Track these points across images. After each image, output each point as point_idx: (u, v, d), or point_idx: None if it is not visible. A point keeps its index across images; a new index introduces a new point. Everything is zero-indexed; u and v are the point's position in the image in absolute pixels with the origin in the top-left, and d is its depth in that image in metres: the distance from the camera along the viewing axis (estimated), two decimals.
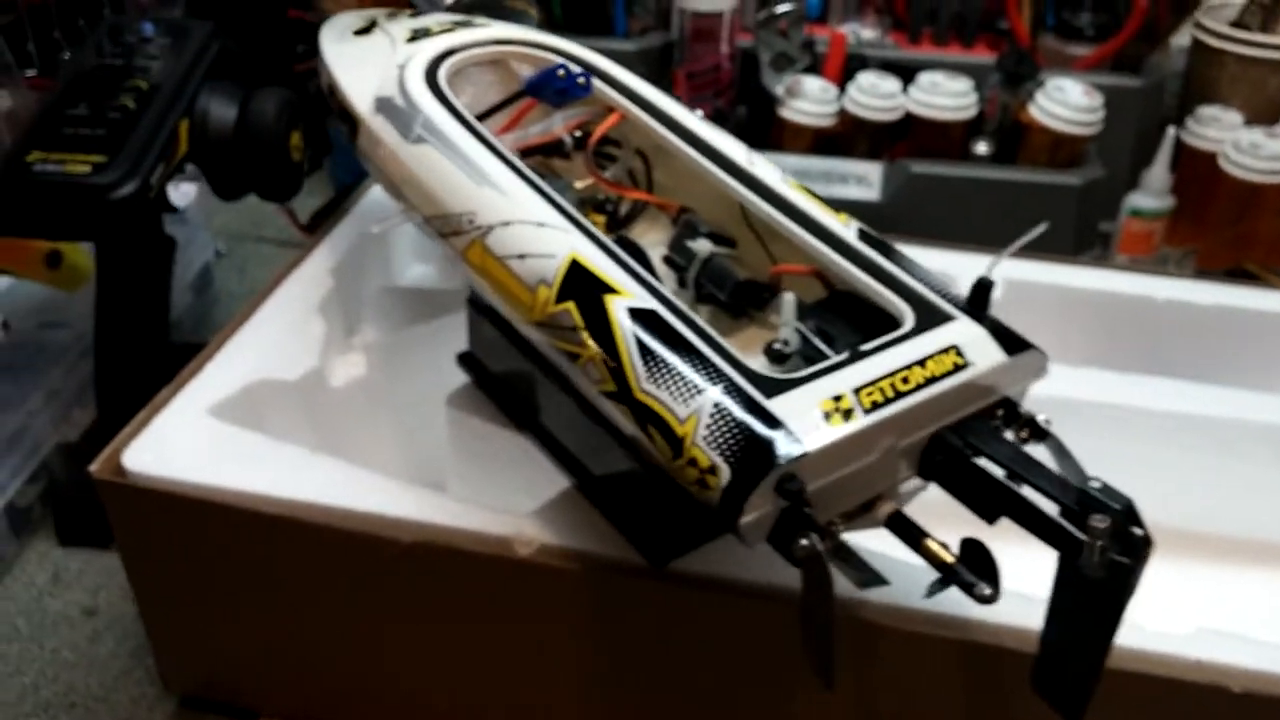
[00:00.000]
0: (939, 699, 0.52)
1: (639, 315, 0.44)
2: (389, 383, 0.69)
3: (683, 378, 0.42)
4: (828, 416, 0.41)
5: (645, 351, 0.43)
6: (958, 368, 0.43)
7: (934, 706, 0.53)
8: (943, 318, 0.45)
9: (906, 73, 1.04)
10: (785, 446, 0.40)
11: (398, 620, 0.57)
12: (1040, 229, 0.45)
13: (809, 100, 1.03)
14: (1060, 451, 0.44)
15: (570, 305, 0.46)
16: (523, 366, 0.59)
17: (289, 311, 0.69)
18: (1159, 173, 1.02)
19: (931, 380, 0.43)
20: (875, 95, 1.02)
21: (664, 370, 0.43)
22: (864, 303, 0.49)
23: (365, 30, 0.66)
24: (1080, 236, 1.03)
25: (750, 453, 0.40)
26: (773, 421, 0.40)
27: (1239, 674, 0.48)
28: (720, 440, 0.40)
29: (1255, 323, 0.72)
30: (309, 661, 0.61)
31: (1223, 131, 1.03)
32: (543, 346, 0.49)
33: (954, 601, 0.50)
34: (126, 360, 0.77)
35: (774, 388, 0.41)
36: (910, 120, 1.03)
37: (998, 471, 0.43)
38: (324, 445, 0.61)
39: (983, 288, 0.46)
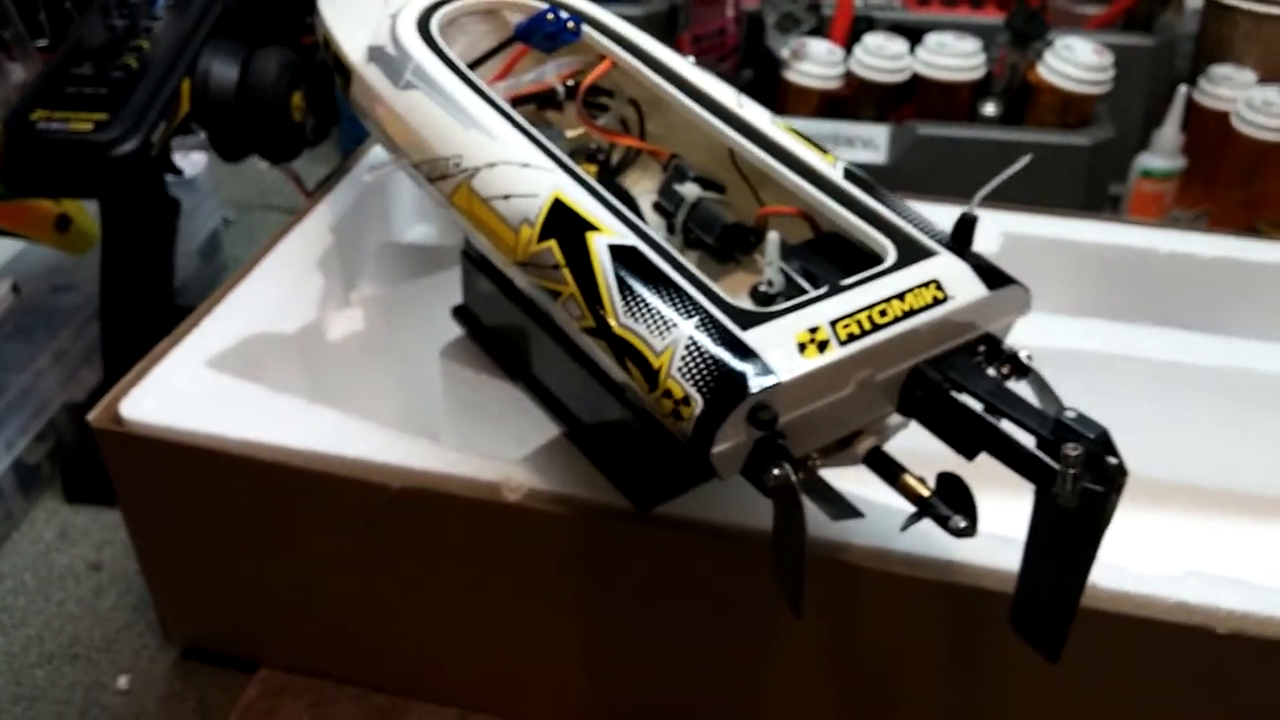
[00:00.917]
0: (919, 640, 0.52)
1: (619, 251, 0.44)
2: (386, 336, 0.70)
3: (659, 312, 0.42)
4: (803, 348, 0.41)
5: (624, 286, 0.43)
6: (937, 301, 0.43)
7: (914, 647, 0.53)
8: (925, 253, 0.45)
9: (914, 34, 1.03)
10: (757, 376, 0.40)
11: (391, 566, 0.58)
12: (1023, 161, 0.44)
13: (815, 63, 1.02)
14: (1041, 387, 0.44)
15: (552, 243, 0.46)
16: (514, 317, 0.59)
17: (289, 267, 0.69)
18: (1170, 133, 1.01)
19: (910, 313, 0.43)
20: (882, 56, 1.02)
21: (641, 305, 0.43)
22: (850, 243, 0.49)
23: None
24: (1090, 198, 1.02)
25: (722, 383, 0.40)
26: (746, 353, 0.40)
27: (1225, 616, 0.48)
28: (694, 371, 0.40)
29: (1256, 274, 0.71)
30: (306, 609, 0.62)
31: (1235, 90, 1.01)
32: (527, 287, 0.49)
33: (935, 544, 0.50)
34: (131, 319, 0.78)
35: (750, 320, 0.42)
36: (917, 82, 1.03)
37: (976, 405, 0.42)
38: (320, 397, 0.61)
39: (966, 224, 0.46)
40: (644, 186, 0.61)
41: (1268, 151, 0.99)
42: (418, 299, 0.70)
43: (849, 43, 1.05)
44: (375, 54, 0.57)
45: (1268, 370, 0.66)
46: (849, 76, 1.03)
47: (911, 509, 0.44)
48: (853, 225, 0.48)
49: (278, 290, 0.68)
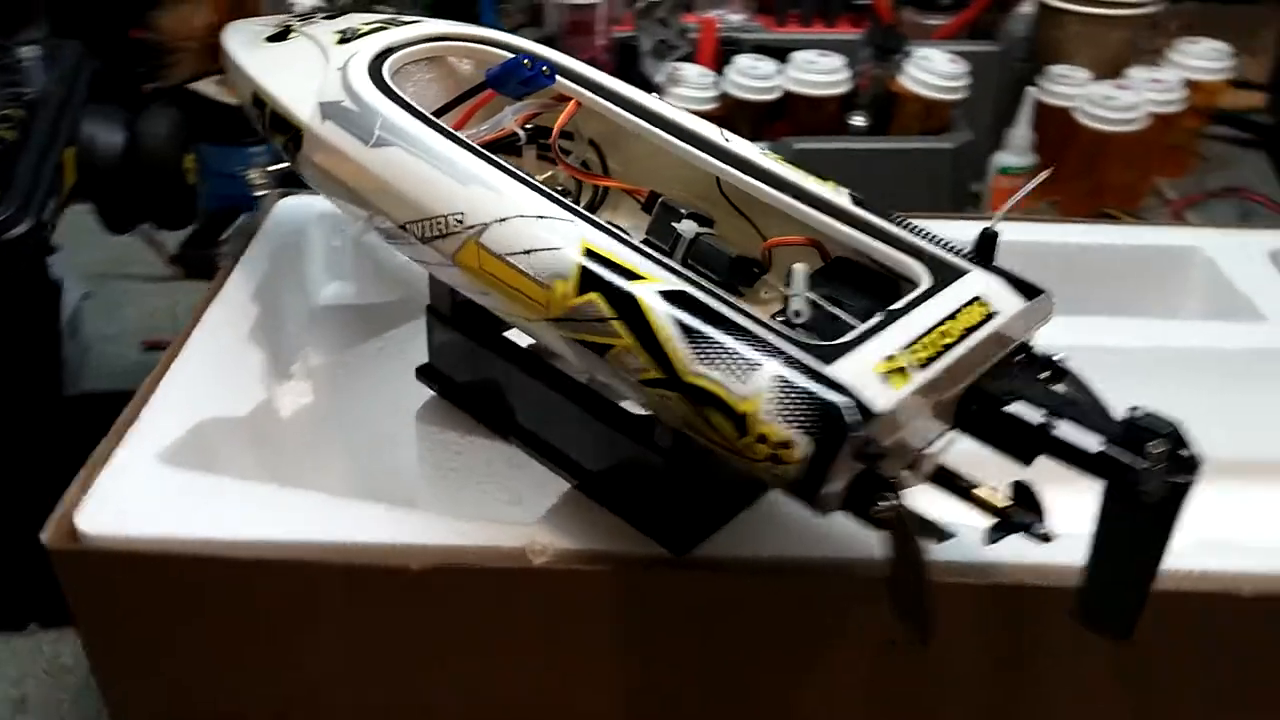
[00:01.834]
0: (965, 642, 0.53)
1: (672, 298, 0.43)
2: (339, 405, 0.66)
3: (735, 355, 0.41)
4: (887, 377, 0.41)
5: (688, 333, 0.42)
6: (988, 317, 0.44)
7: (959, 650, 0.54)
8: (958, 272, 0.46)
9: (779, 53, 1.06)
10: (859, 411, 0.39)
11: (411, 653, 0.54)
12: (1045, 174, 0.46)
13: (690, 86, 1.03)
14: (1080, 387, 0.46)
15: (594, 296, 0.44)
16: (500, 371, 0.57)
17: (218, 344, 0.64)
18: (1022, 131, 1.08)
19: (968, 332, 0.43)
20: (753, 77, 1.04)
21: (714, 349, 0.42)
22: (861, 267, 0.50)
23: (280, 37, 0.62)
24: (955, 197, 1.07)
25: (827, 421, 0.39)
26: (839, 388, 0.40)
27: (1246, 579, 0.51)
28: (791, 412, 0.40)
29: (1156, 257, 0.77)
30: (311, 714, 0.57)
31: (1073, 88, 1.09)
32: (555, 343, 0.47)
33: (967, 549, 0.51)
34: (21, 414, 0.70)
35: (827, 354, 0.41)
36: (788, 99, 1.05)
37: (1036, 414, 0.44)
38: (283, 479, 0.57)
39: (989, 238, 0.47)
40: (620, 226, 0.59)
41: (1108, 141, 1.07)
42: (364, 363, 0.67)
43: (718, 65, 1.07)
44: (331, 110, 0.54)
45: (1177, 346, 0.70)
46: (724, 98, 1.04)
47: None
48: (876, 250, 0.48)
49: (214, 370, 0.62)
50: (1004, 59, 1.11)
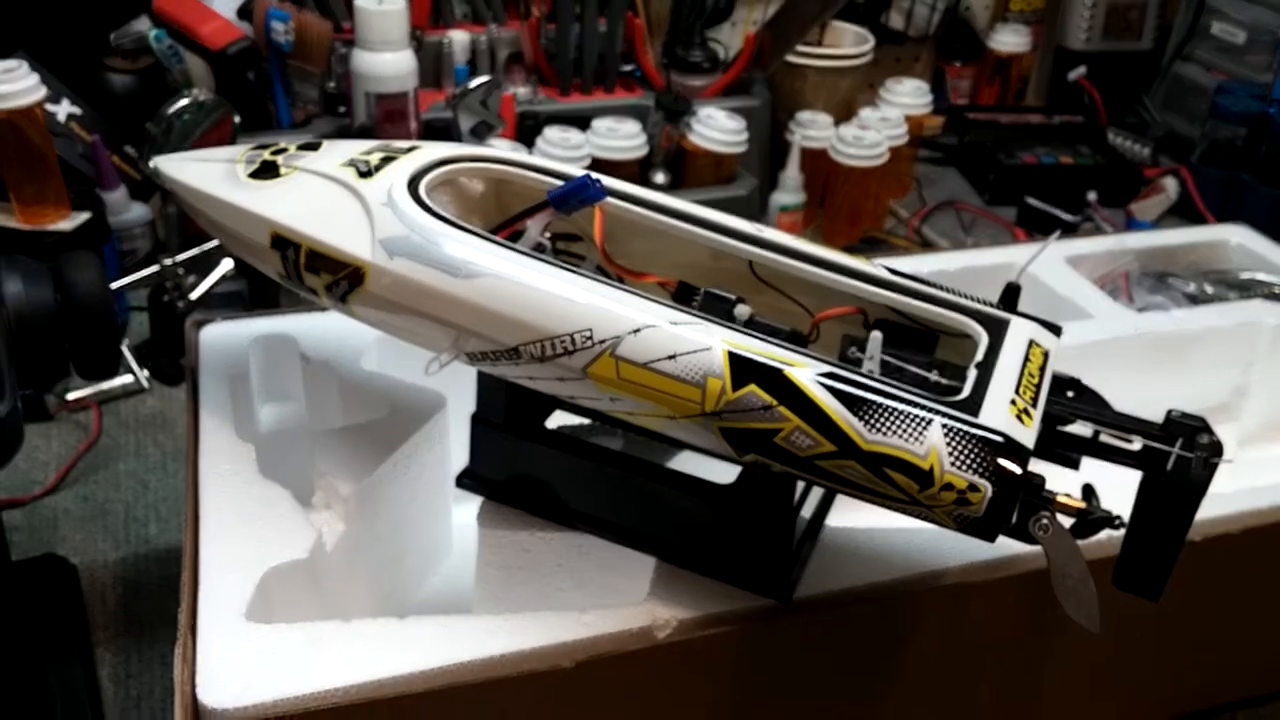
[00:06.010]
0: (998, 625, 0.64)
1: (827, 378, 0.49)
2: (376, 529, 0.65)
3: (903, 418, 0.48)
4: (1020, 419, 0.50)
5: (855, 408, 0.49)
6: (1046, 356, 0.55)
7: (995, 632, 0.64)
8: (1004, 322, 0.56)
9: (575, 122, 1.13)
10: (1022, 450, 0.48)
11: None
12: (1055, 235, 0.57)
13: None
14: (1099, 401, 0.57)
15: (752, 388, 0.50)
16: (559, 465, 0.60)
17: (233, 489, 0.62)
18: (792, 173, 1.22)
19: (1041, 370, 0.54)
20: (564, 146, 1.10)
21: (881, 419, 0.48)
22: (901, 325, 0.59)
23: (266, 173, 0.60)
24: None
25: (1002, 465, 0.48)
26: (998, 433, 0.48)
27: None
28: (969, 461, 0.48)
29: (985, 276, 0.91)
30: None
31: (821, 130, 1.25)
32: (703, 436, 0.51)
33: (986, 546, 0.61)
34: None
35: (968, 406, 0.50)
36: (594, 163, 1.13)
37: (1086, 428, 0.55)
38: (347, 612, 0.57)
39: (1013, 290, 0.58)
40: None
41: (862, 175, 1.24)
42: (383, 485, 0.66)
43: (519, 137, 1.12)
44: (398, 246, 0.54)
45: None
46: None
47: None
48: (927, 311, 0.57)
49: (247, 515, 0.60)
50: (762, 112, 1.25)
